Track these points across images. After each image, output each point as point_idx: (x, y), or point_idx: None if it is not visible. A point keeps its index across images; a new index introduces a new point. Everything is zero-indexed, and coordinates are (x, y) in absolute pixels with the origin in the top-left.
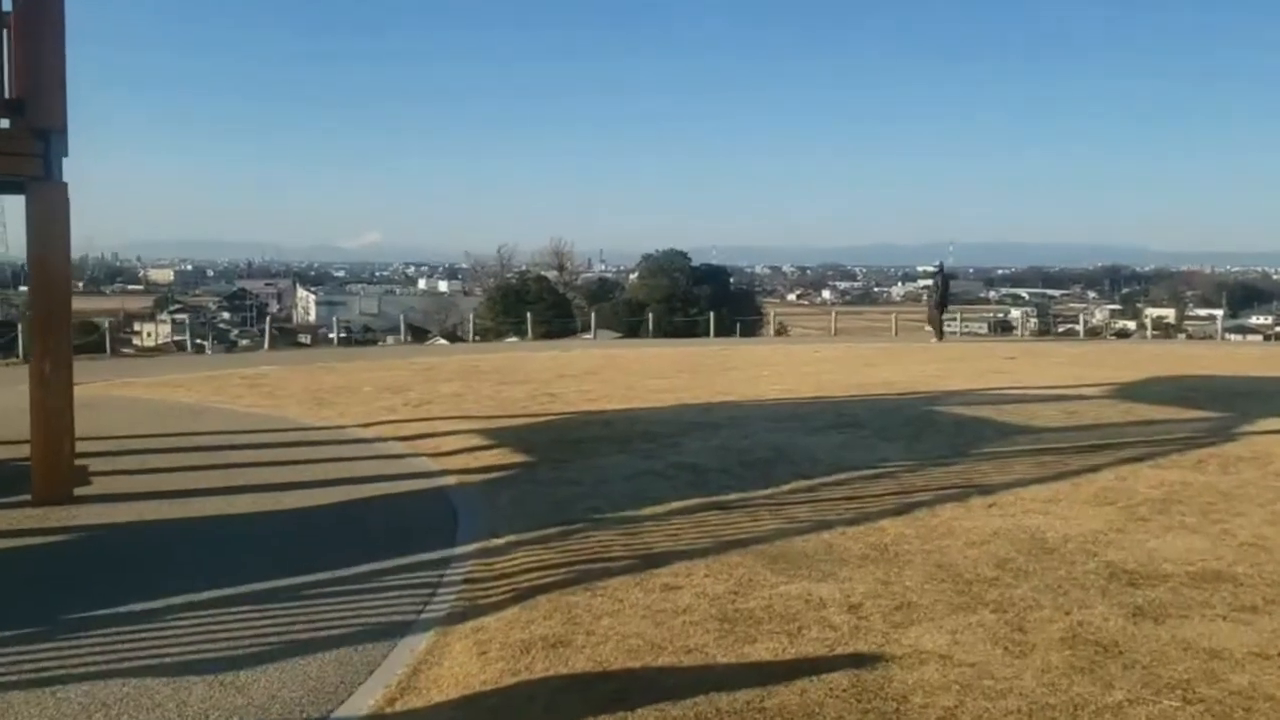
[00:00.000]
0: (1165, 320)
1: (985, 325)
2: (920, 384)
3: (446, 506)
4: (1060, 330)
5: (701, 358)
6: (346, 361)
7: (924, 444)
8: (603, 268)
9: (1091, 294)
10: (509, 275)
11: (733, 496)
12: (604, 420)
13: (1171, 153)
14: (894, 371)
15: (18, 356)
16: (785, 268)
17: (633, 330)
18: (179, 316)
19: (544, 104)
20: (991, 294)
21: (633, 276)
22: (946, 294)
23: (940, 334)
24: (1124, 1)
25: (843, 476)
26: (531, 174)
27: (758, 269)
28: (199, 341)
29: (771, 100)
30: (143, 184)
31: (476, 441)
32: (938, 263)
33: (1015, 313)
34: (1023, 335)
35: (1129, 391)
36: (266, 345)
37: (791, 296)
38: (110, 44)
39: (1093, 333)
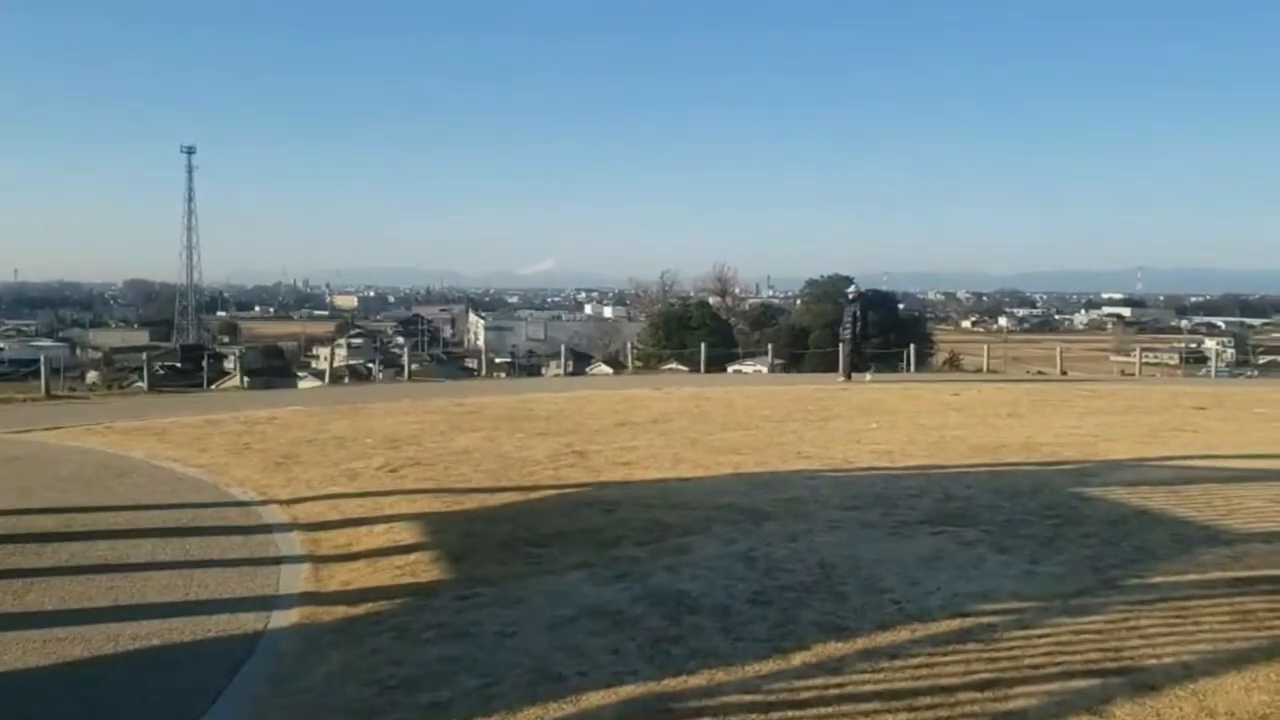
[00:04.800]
0: None
1: (1176, 356)
2: (1072, 446)
3: (223, 677)
4: (1262, 362)
5: (812, 399)
6: (416, 400)
7: (1057, 560)
8: (770, 293)
9: None
10: (672, 301)
11: (697, 682)
12: (613, 501)
13: None
14: (1041, 426)
15: None
16: (960, 294)
17: (795, 360)
18: (356, 341)
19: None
20: (1184, 323)
21: (798, 303)
22: (865, 325)
23: (848, 374)
24: None
25: (903, 636)
26: (706, 200)
27: (931, 294)
28: (369, 365)
29: (946, 122)
30: (334, 213)
31: (405, 537)
32: (852, 288)
33: (1209, 343)
34: (1214, 372)
35: None
36: (407, 376)
37: (966, 323)
38: (318, 72)
39: None
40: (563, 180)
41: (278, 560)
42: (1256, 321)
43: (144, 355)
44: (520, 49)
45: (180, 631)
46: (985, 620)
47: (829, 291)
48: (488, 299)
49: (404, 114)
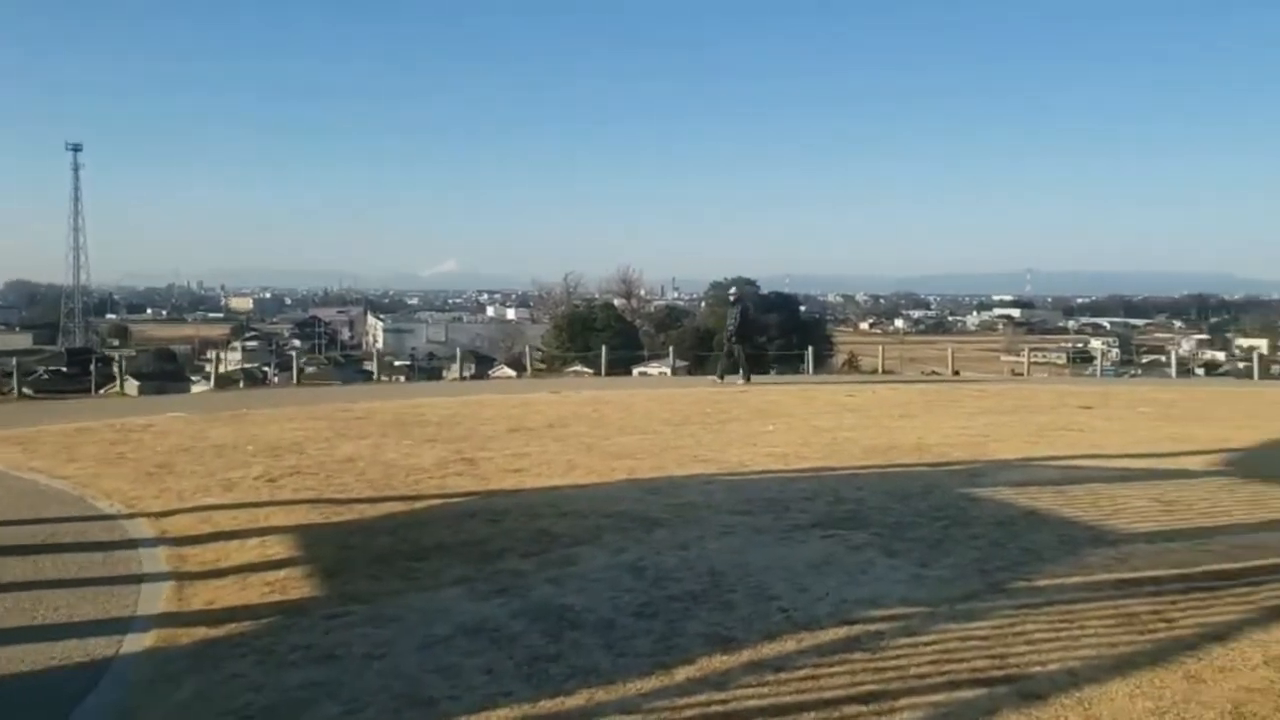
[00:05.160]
0: (1257, 350)
1: (1063, 356)
2: (962, 447)
3: (58, 714)
4: (1145, 361)
5: (711, 402)
6: (304, 405)
7: (945, 563)
8: (676, 295)
9: (1178, 323)
10: (576, 303)
11: (575, 702)
12: (500, 510)
13: (1258, 177)
14: (932, 427)
15: None
16: (859, 296)
17: (699, 362)
18: (251, 344)
19: (623, 131)
20: (1071, 323)
21: (703, 305)
22: (745, 327)
23: (723, 375)
24: (1218, 24)
25: (790, 647)
26: (609, 203)
27: (830, 296)
28: (264, 369)
29: (846, 126)
30: (228, 214)
31: (278, 552)
32: (732, 291)
33: (1095, 343)
34: (1099, 372)
35: (1252, 463)
36: (296, 380)
37: (864, 325)
38: (205, 83)
39: (1180, 364)
40: (465, 181)
41: (139, 579)
42: (1139, 322)
43: (14, 360)
44: (422, 49)
45: (20, 661)
46: (873, 628)
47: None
48: (387, 301)
49: (300, 111)
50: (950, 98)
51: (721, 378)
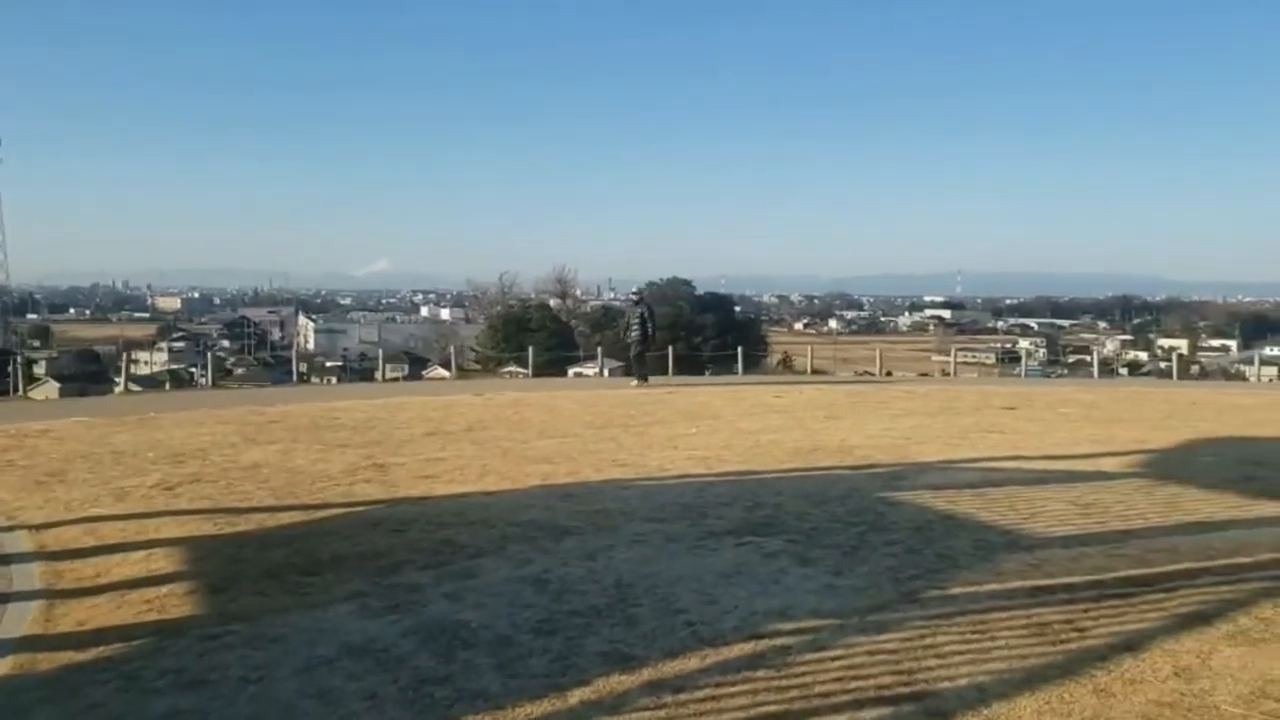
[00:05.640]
0: (1178, 351)
1: (992, 356)
2: (885, 449)
3: None
4: (1070, 361)
5: (635, 403)
6: (218, 408)
7: (859, 571)
8: (612, 295)
9: (1102, 324)
10: (511, 303)
11: None
12: (405, 520)
13: (1185, 181)
14: (857, 428)
15: None
16: (794, 296)
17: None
18: (178, 344)
19: (551, 125)
20: (999, 324)
21: None
22: (650, 328)
23: (643, 377)
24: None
25: (693, 665)
26: (546, 202)
27: (765, 297)
28: (191, 370)
29: (777, 127)
30: (158, 212)
31: (163, 566)
32: (635, 289)
33: (1024, 343)
34: (1025, 372)
35: (1168, 465)
36: (210, 382)
37: (799, 325)
38: (134, 79)
39: (1104, 364)
40: (398, 179)
41: (4, 598)
42: (1066, 323)
43: None
44: (354, 41)
45: None
46: (780, 642)
47: (668, 294)
48: (319, 301)
49: (231, 106)
50: (876, 100)
51: (645, 380)
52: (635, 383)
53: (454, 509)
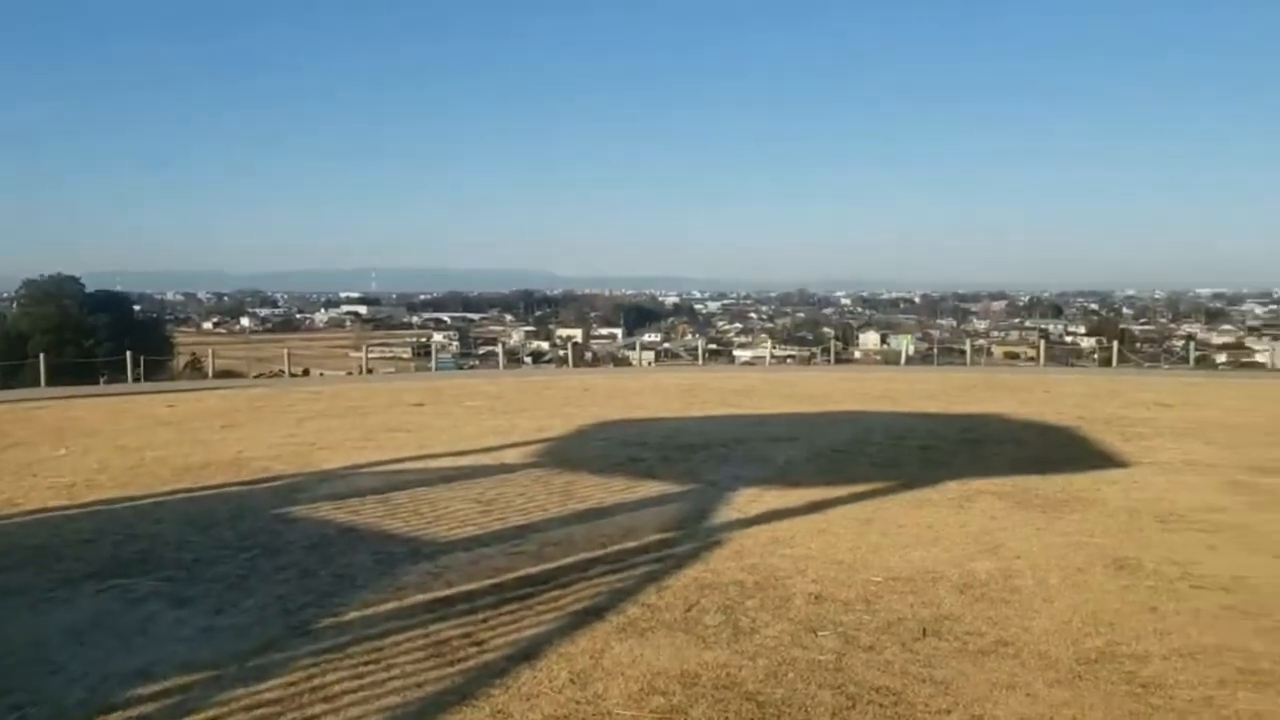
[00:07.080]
0: (573, 339)
1: (409, 350)
2: (286, 459)
3: None
4: (481, 352)
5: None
6: None
7: (244, 606)
8: None
9: (509, 316)
10: None
11: None
12: None
13: (566, 179)
14: (256, 437)
15: None
16: (201, 294)
17: (13, 373)
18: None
19: None
20: (415, 319)
21: (14, 305)
22: None
23: None
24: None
25: None
26: None
27: (170, 295)
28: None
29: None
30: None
31: None
32: None
33: (438, 337)
34: (436, 365)
35: (565, 452)
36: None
37: (208, 325)
38: None
39: (511, 354)
40: None
41: None
42: (476, 316)
43: None
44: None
45: None
46: (137, 712)
47: (52, 293)
48: None
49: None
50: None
51: None
52: None
53: None
